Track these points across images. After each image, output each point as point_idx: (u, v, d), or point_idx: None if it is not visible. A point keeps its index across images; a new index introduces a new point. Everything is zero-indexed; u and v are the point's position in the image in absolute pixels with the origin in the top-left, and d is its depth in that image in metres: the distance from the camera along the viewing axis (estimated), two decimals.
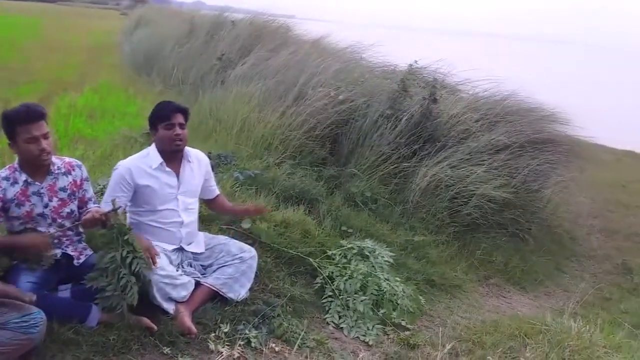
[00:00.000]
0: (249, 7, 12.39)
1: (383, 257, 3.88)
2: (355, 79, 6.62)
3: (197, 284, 3.06)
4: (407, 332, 3.33)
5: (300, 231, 4.03)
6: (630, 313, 4.63)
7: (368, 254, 3.86)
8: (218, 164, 4.98)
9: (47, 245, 2.72)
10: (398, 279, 3.78)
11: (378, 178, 5.37)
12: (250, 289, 3.22)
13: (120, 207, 2.77)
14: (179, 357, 2.66)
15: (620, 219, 7.68)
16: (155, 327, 2.75)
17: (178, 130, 3.05)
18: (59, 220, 2.84)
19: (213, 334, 2.84)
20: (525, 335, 3.36)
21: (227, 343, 2.80)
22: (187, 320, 2.83)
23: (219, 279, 3.09)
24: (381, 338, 3.25)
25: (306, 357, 2.87)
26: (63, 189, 2.86)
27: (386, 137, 5.60)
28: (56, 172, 2.84)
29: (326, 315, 3.33)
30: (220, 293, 3.07)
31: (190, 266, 3.17)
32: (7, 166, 2.81)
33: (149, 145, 3.19)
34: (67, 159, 2.98)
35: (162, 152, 3.11)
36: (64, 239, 2.89)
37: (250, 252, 3.23)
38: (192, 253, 3.21)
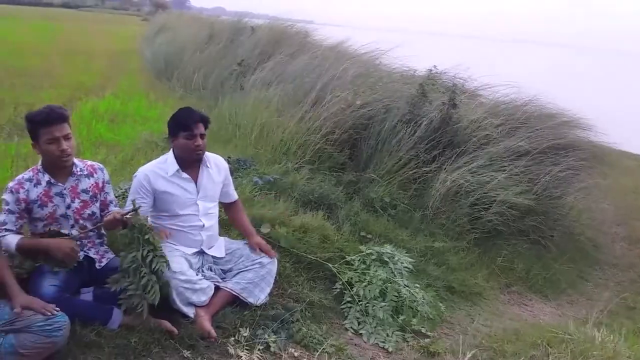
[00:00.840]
0: (268, 13, 12.50)
1: (402, 263, 3.85)
2: (373, 83, 6.61)
3: (217, 288, 3.07)
4: (427, 340, 3.30)
5: (319, 236, 4.03)
6: None
7: (387, 259, 3.83)
8: (237, 168, 5.00)
9: (74, 249, 2.75)
10: (418, 285, 3.75)
11: (397, 183, 5.34)
12: (270, 294, 3.22)
13: (139, 207, 2.79)
14: None
15: None
16: (176, 331, 2.76)
17: (199, 141, 3.06)
18: (81, 222, 2.88)
19: (232, 338, 2.84)
20: (548, 345, 3.30)
21: (247, 347, 2.80)
22: (207, 324, 2.84)
23: (238, 283, 3.10)
24: (401, 345, 3.22)
25: None
26: (85, 191, 2.89)
27: (405, 142, 5.57)
28: (78, 173, 2.88)
29: (345, 321, 3.32)
30: (240, 297, 3.08)
31: (211, 270, 3.18)
32: (31, 168, 2.86)
33: (170, 149, 3.21)
34: (89, 162, 3.02)
35: (180, 158, 3.12)
36: (86, 241, 2.92)
37: (270, 257, 3.23)
38: (213, 257, 3.23)
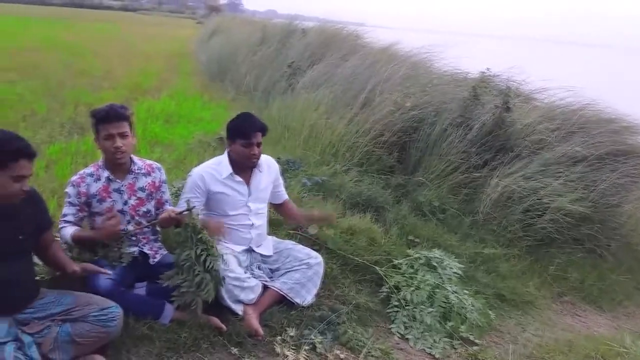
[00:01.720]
0: (319, 15, 12.56)
1: (451, 268, 3.79)
2: (424, 85, 6.55)
3: (265, 287, 3.12)
4: (475, 347, 3.23)
5: (366, 239, 4.02)
6: None
7: (436, 264, 3.78)
8: (286, 169, 5.06)
9: (117, 224, 2.81)
10: (467, 291, 3.68)
11: (447, 187, 5.26)
12: (317, 295, 3.24)
13: (194, 206, 2.86)
14: (245, 358, 2.71)
15: None
16: (225, 327, 2.82)
17: (255, 150, 3.12)
18: (137, 218, 2.98)
19: (279, 337, 2.88)
20: (602, 358, 3.19)
21: (293, 347, 2.83)
22: (255, 322, 2.89)
23: (286, 283, 3.14)
24: (448, 352, 3.17)
25: None
26: (142, 189, 2.99)
27: (456, 145, 5.49)
28: (136, 171, 2.98)
29: (392, 325, 3.29)
30: (287, 297, 3.11)
31: (259, 269, 3.23)
32: (93, 163, 2.98)
33: (222, 150, 3.28)
34: (148, 161, 3.12)
35: (234, 162, 3.19)
36: (141, 237, 3.03)
37: (316, 259, 3.25)
38: (261, 255, 3.28)
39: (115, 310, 2.49)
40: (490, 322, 3.59)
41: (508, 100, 5.63)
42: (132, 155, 2.98)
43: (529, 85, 6.76)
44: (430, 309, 3.38)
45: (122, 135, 2.81)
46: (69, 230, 2.82)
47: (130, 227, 2.95)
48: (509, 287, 4.13)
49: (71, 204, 2.87)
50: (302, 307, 3.13)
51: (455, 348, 3.22)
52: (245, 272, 3.10)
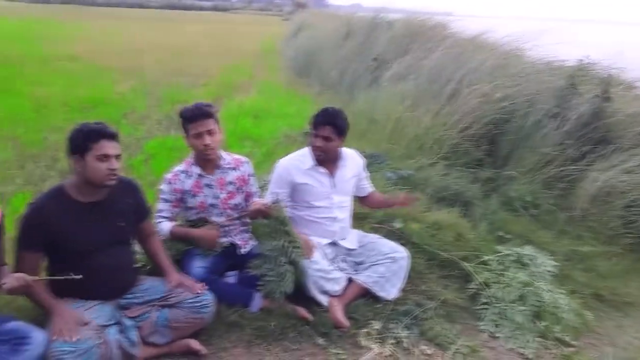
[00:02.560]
0: (404, 7, 12.37)
1: (545, 266, 3.62)
2: (515, 75, 6.26)
3: (349, 280, 3.14)
4: (570, 349, 3.07)
5: (453, 234, 3.92)
6: None
7: (528, 261, 3.63)
8: (370, 163, 5.04)
9: (217, 237, 2.99)
10: (561, 290, 3.50)
11: (540, 182, 5.01)
12: (402, 289, 3.22)
13: (282, 200, 2.94)
14: (331, 348, 2.75)
15: None
16: (311, 317, 2.89)
17: (318, 142, 3.12)
18: (228, 211, 3.11)
19: (364, 330, 2.89)
20: None
21: (378, 340, 2.83)
22: (340, 314, 2.92)
23: (370, 276, 3.14)
24: (541, 352, 3.03)
25: None
26: (231, 183, 3.12)
27: (550, 137, 5.21)
28: (225, 166, 3.11)
29: (480, 323, 3.20)
30: (372, 291, 3.12)
31: (344, 262, 3.26)
32: (184, 161, 3.14)
33: (307, 144, 3.33)
34: (235, 156, 3.24)
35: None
36: (232, 228, 3.15)
37: (402, 253, 3.23)
38: (346, 248, 3.30)
39: (208, 298, 2.62)
40: (586, 323, 3.39)
41: (608, 89, 5.26)
42: (220, 151, 3.11)
43: (632, 72, 6.28)
44: (522, 308, 3.24)
45: (210, 132, 2.93)
46: (167, 225, 3.00)
47: (222, 220, 3.08)
48: (609, 287, 3.87)
49: (166, 200, 3.05)
50: (387, 301, 3.13)
51: (548, 349, 3.07)
52: (330, 265, 3.14)
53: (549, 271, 3.60)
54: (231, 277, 3.09)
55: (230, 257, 3.10)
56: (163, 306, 2.58)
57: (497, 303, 3.28)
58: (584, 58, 6.06)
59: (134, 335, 2.46)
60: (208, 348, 2.63)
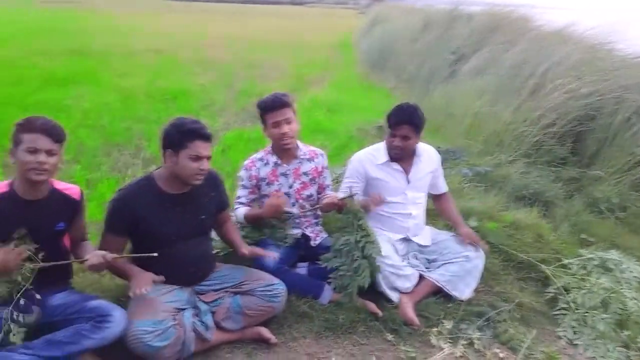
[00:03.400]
0: (485, 0, 11.94)
1: (632, 272, 3.39)
2: (602, 70, 5.90)
3: (421, 277, 3.09)
4: None
5: (532, 235, 3.77)
6: None
7: (612, 266, 3.41)
8: (446, 159, 4.93)
9: (283, 204, 2.97)
10: None
11: (629, 183, 4.71)
12: (475, 290, 3.12)
13: (356, 193, 2.93)
14: (400, 345, 2.71)
15: None
16: (380, 313, 2.86)
17: (397, 142, 3.08)
18: (300, 202, 3.14)
19: (435, 329, 2.83)
20: None
21: (449, 340, 2.77)
22: (410, 311, 2.88)
23: (443, 275, 3.07)
24: None
25: None
26: (306, 174, 3.14)
27: None
28: (301, 157, 3.14)
29: (558, 329, 3.05)
30: (444, 289, 3.05)
31: (416, 259, 3.20)
32: (263, 149, 3.20)
33: (381, 138, 3.30)
34: (312, 147, 3.27)
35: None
36: (304, 220, 3.18)
37: (477, 252, 3.13)
38: (418, 245, 3.25)
39: (280, 287, 2.66)
40: None
41: None
42: (298, 142, 3.14)
43: None
44: (605, 315, 3.06)
45: (287, 121, 2.97)
46: (242, 211, 3.08)
47: (295, 210, 3.11)
48: None
49: (244, 186, 3.12)
50: (460, 300, 3.05)
51: (631, 359, 2.89)
52: (402, 261, 3.10)
53: (635, 277, 3.37)
54: (302, 269, 3.12)
55: (302, 249, 3.14)
56: (237, 293, 2.64)
57: (577, 309, 3.11)
58: None
59: (209, 319, 2.54)
60: (278, 337, 2.67)
